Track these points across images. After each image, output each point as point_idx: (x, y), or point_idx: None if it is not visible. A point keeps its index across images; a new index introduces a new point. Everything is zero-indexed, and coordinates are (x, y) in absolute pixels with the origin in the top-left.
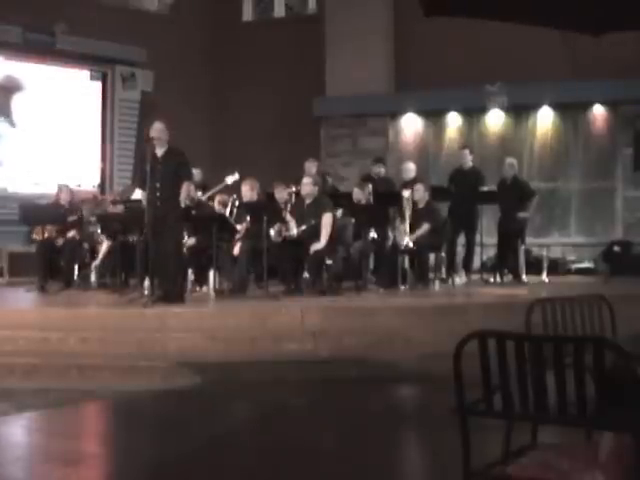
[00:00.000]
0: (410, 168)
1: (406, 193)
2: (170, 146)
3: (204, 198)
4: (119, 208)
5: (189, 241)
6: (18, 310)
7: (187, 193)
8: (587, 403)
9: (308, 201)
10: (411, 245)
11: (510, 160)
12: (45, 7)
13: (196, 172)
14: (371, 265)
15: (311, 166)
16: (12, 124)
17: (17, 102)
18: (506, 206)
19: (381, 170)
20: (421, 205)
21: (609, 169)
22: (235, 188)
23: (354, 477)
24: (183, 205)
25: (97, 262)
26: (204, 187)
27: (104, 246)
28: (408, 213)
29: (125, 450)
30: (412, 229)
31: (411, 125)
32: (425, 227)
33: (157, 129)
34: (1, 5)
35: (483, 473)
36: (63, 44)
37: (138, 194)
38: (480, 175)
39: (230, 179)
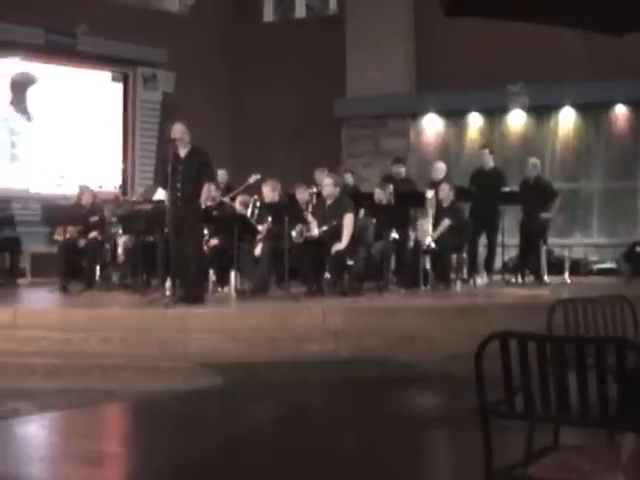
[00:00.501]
0: (440, 168)
1: (429, 193)
2: (193, 146)
3: (227, 199)
4: (145, 207)
5: (212, 241)
6: (40, 310)
7: (208, 194)
8: (609, 404)
9: (329, 202)
10: (433, 245)
11: (533, 160)
12: (66, 9)
13: (221, 173)
14: (392, 266)
15: (321, 175)
16: (29, 119)
17: (32, 97)
18: (529, 206)
19: (401, 170)
20: (445, 204)
21: (631, 169)
22: (256, 189)
23: (375, 478)
24: (203, 206)
25: (122, 248)
26: (229, 188)
27: (124, 240)
28: (432, 213)
29: (146, 450)
30: (435, 229)
31: (432, 126)
32: (445, 223)
33: (178, 130)
34: (23, 7)
35: (505, 474)
36: (84, 45)
37: (160, 194)
38: (501, 175)
39: (252, 178)
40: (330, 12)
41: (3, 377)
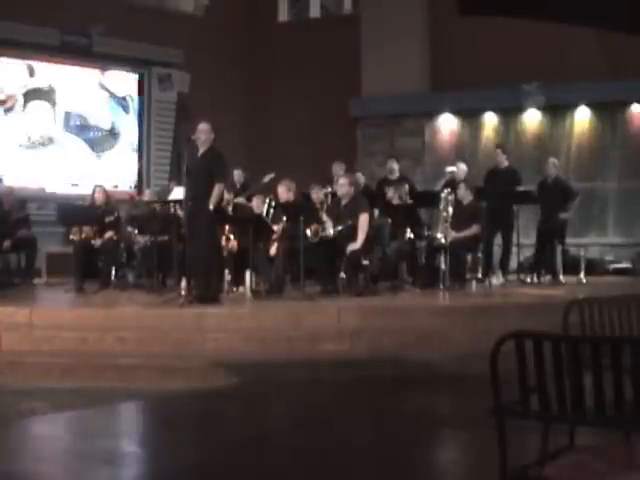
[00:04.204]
0: (463, 169)
1: (445, 192)
2: (210, 147)
3: (242, 199)
4: (160, 207)
5: (232, 243)
6: (56, 310)
7: (218, 196)
8: (625, 404)
9: (344, 201)
10: (442, 241)
11: (553, 160)
12: (82, 10)
13: (237, 172)
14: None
15: (339, 168)
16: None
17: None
18: (547, 206)
19: (394, 167)
20: (465, 203)
21: None
22: (272, 188)
23: (390, 478)
24: (212, 207)
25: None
26: (245, 187)
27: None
28: (449, 212)
29: (161, 450)
30: (454, 227)
31: (447, 125)
32: (475, 228)
33: (198, 129)
34: (39, 8)
35: (520, 474)
36: (100, 46)
37: (177, 194)
38: (516, 175)
39: (267, 177)
40: (345, 12)
41: (19, 376)
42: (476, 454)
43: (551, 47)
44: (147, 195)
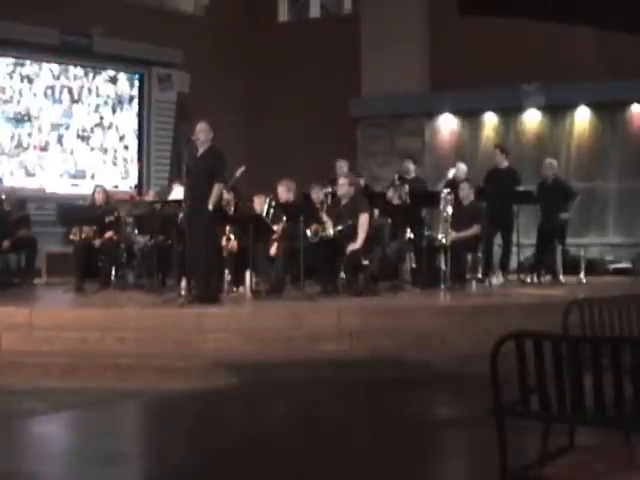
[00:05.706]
0: (463, 169)
1: (445, 192)
2: (209, 146)
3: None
4: (160, 207)
5: (232, 244)
6: (56, 310)
7: (217, 195)
8: (625, 404)
9: (344, 201)
10: (443, 241)
11: (549, 160)
12: (82, 10)
13: None
14: (408, 265)
15: (342, 165)
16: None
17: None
18: (547, 206)
19: (410, 167)
20: (466, 203)
21: None
22: (272, 188)
23: (390, 478)
24: (211, 207)
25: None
26: (235, 189)
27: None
28: (449, 212)
29: (161, 450)
30: (455, 227)
31: (447, 125)
32: (475, 228)
33: (197, 129)
34: (40, 8)
35: (520, 474)
36: (100, 46)
37: (177, 194)
38: (515, 175)
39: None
40: (345, 12)
41: (19, 377)
42: (476, 454)
43: (551, 47)
44: (151, 195)
